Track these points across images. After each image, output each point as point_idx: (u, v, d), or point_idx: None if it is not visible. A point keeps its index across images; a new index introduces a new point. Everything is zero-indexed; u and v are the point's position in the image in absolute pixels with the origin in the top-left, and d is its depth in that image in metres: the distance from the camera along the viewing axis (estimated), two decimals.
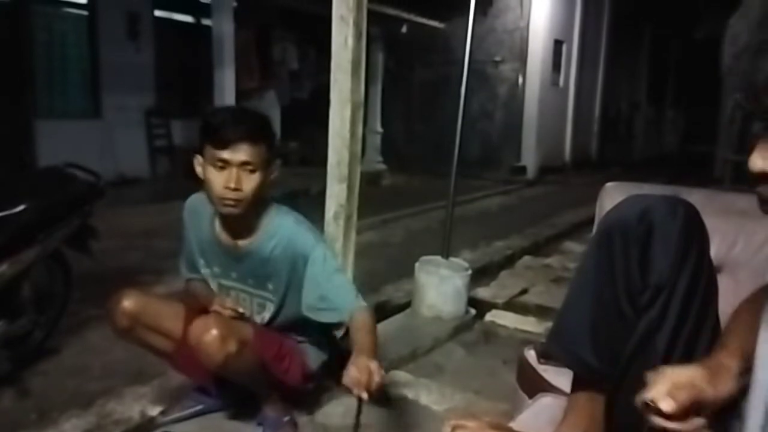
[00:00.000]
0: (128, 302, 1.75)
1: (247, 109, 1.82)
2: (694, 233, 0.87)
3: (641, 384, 0.87)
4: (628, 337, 0.89)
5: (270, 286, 1.80)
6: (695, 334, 0.87)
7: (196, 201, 1.85)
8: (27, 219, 2.12)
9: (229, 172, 1.61)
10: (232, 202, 1.63)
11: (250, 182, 1.64)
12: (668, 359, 0.86)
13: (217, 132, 1.60)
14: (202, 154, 1.66)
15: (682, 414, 0.75)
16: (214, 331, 1.60)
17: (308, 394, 2.03)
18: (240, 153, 1.60)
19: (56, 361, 2.42)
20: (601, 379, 0.95)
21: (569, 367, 1.00)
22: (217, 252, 1.83)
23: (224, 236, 1.79)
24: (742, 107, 0.64)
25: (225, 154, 1.60)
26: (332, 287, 1.73)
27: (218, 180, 1.62)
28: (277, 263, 1.76)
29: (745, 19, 0.53)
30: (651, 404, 0.76)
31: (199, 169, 1.68)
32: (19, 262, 2.13)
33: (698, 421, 0.77)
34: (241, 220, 1.72)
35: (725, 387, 0.77)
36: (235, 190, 1.62)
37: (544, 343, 1.05)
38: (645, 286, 0.87)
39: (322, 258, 1.73)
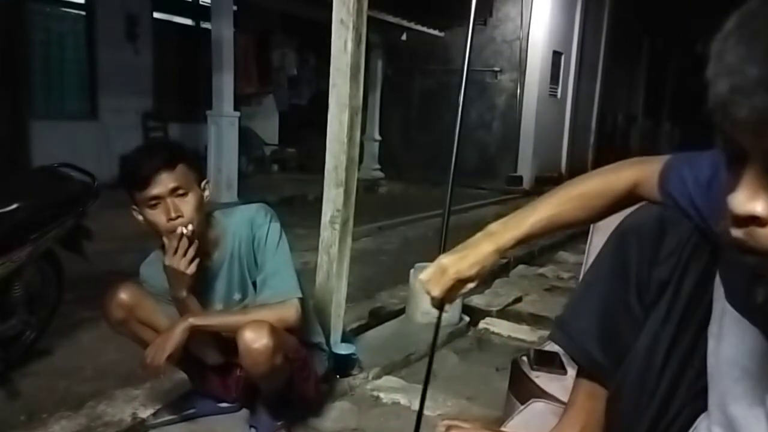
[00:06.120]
0: (125, 294, 1.75)
1: (153, 142, 1.86)
2: (706, 236, 0.86)
3: (642, 383, 0.88)
4: (634, 332, 0.89)
5: (254, 283, 1.80)
6: (696, 339, 0.86)
7: (149, 265, 1.82)
8: (19, 218, 2.11)
9: (164, 205, 1.61)
10: (182, 230, 1.62)
11: (187, 205, 1.63)
12: (668, 360, 0.86)
13: (136, 174, 1.61)
14: (135, 204, 1.66)
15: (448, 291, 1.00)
16: (267, 342, 1.59)
17: (317, 400, 2.03)
18: (164, 182, 1.60)
19: (47, 363, 2.41)
20: (605, 374, 0.95)
21: (573, 359, 1.00)
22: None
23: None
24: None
25: (152, 191, 1.60)
26: (272, 270, 1.74)
27: (159, 217, 1.62)
28: (247, 254, 1.77)
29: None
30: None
31: (139, 219, 1.67)
32: (11, 262, 2.11)
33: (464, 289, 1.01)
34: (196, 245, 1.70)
35: (475, 261, 0.99)
36: (178, 217, 1.61)
37: (550, 333, 1.05)
38: (651, 281, 0.88)
39: (265, 237, 1.74)
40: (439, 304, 1.03)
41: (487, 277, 1.05)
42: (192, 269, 1.65)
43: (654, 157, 0.96)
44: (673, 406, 0.87)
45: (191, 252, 1.64)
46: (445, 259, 1.01)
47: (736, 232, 0.55)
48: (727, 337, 0.77)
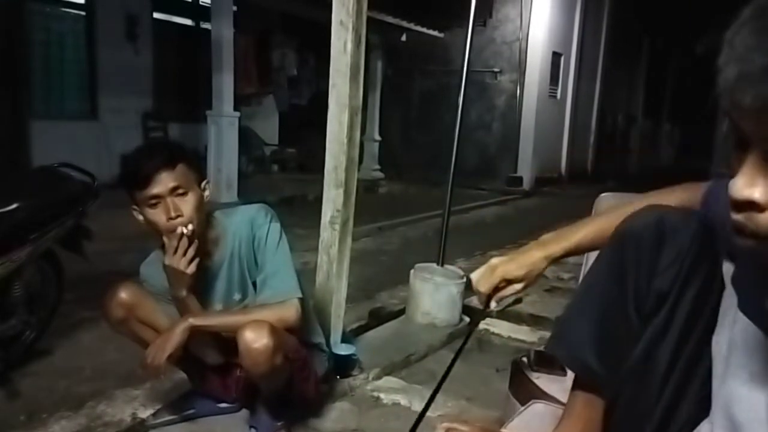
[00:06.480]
0: (125, 293, 1.75)
1: (153, 142, 1.87)
2: (707, 245, 0.86)
3: (642, 393, 0.87)
4: (632, 343, 0.88)
5: (254, 283, 1.80)
6: (700, 348, 0.85)
7: (149, 265, 1.82)
8: (19, 218, 2.11)
9: (165, 204, 1.62)
10: (182, 230, 1.62)
11: (187, 205, 1.63)
12: (671, 370, 0.85)
13: (137, 174, 1.61)
14: (135, 204, 1.66)
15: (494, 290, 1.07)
16: (267, 342, 1.59)
17: (317, 401, 2.03)
18: (165, 181, 1.61)
19: (47, 363, 2.41)
20: (602, 384, 0.94)
21: (570, 369, 1.00)
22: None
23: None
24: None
25: (153, 190, 1.60)
26: (272, 270, 1.74)
27: (159, 217, 1.62)
28: (247, 255, 1.77)
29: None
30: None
31: (140, 218, 1.68)
32: (11, 262, 2.11)
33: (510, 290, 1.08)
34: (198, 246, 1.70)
35: (523, 263, 1.06)
36: (178, 216, 1.62)
37: (546, 342, 1.05)
38: (650, 291, 0.87)
39: (265, 237, 1.75)
40: (486, 301, 1.09)
41: (534, 283, 1.09)
42: (192, 269, 1.65)
43: (703, 183, 0.98)
44: (677, 419, 0.86)
45: (191, 251, 1.64)
46: (495, 260, 1.09)
47: (736, 217, 0.57)
48: (737, 344, 0.77)
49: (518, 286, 1.07)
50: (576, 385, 1.00)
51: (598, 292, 0.94)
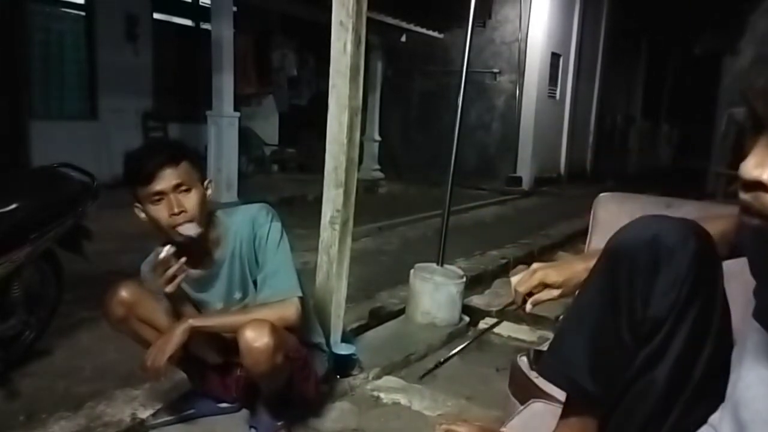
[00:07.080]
0: (125, 292, 1.76)
1: (156, 140, 1.88)
2: (706, 267, 0.83)
3: (636, 414, 0.86)
4: (626, 364, 0.87)
5: (255, 282, 1.80)
6: (705, 373, 0.84)
7: (150, 264, 1.80)
8: (19, 218, 2.12)
9: (168, 200, 1.63)
10: (186, 226, 1.63)
11: (190, 201, 1.65)
12: (671, 395, 0.84)
13: (141, 170, 1.62)
14: (138, 201, 1.67)
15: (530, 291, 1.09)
16: (268, 341, 1.60)
17: (317, 401, 2.04)
18: (168, 177, 1.62)
19: (46, 363, 2.41)
20: (595, 404, 0.93)
21: (563, 389, 0.98)
22: (191, 285, 1.80)
23: (191, 271, 1.76)
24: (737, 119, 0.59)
25: (156, 186, 1.61)
26: (273, 269, 1.75)
27: (161, 213, 1.63)
28: (248, 254, 1.77)
29: None
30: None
31: (142, 216, 1.68)
32: (10, 262, 2.11)
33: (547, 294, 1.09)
34: (198, 244, 1.71)
35: (563, 270, 1.07)
36: (181, 212, 1.63)
37: (540, 362, 1.05)
38: (645, 317, 0.85)
39: (266, 236, 1.75)
40: (521, 300, 1.10)
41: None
42: (171, 289, 1.64)
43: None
44: None
45: (178, 276, 1.64)
46: (536, 265, 1.12)
47: (744, 196, 0.59)
48: (749, 349, 0.77)
49: (555, 292, 1.08)
50: (568, 405, 0.98)
51: (591, 314, 0.92)
